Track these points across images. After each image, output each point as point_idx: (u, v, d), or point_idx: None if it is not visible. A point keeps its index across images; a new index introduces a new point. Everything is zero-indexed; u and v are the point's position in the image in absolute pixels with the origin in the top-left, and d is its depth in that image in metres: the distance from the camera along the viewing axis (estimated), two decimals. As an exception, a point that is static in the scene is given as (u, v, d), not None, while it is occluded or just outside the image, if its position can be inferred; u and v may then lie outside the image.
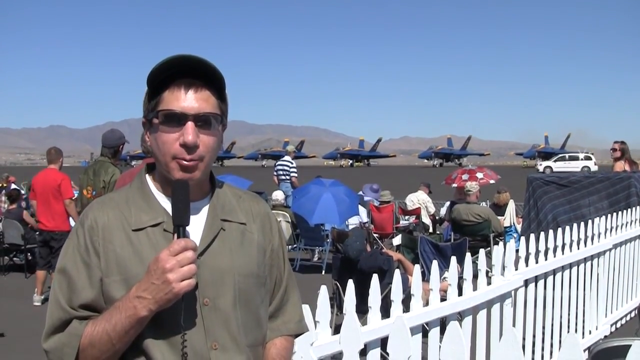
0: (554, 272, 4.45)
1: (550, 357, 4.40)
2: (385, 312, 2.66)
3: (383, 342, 2.35)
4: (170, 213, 1.31)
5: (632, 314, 5.96)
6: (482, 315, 3.43)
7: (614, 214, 5.53)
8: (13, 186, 13.14)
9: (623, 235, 5.65)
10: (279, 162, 11.81)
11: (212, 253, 1.34)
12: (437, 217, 11.76)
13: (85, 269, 1.30)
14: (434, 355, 2.80)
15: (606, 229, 5.31)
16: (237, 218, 1.42)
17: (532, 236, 4.27)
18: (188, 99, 1.31)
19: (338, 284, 4.97)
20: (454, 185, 10.04)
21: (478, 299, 3.34)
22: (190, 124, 1.29)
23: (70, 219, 6.96)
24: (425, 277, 4.87)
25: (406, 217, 11.38)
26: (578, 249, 4.82)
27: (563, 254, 4.59)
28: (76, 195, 6.95)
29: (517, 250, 3.97)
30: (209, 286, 1.31)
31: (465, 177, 9.94)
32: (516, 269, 3.93)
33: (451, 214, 8.95)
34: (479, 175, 10.00)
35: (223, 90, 1.38)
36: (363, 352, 2.28)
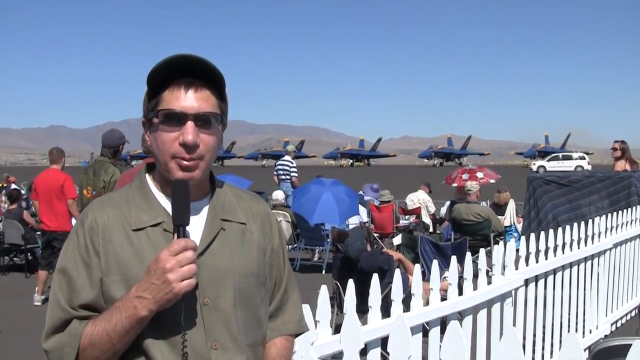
0: (554, 272, 4.45)
1: (551, 356, 4.40)
2: (386, 311, 2.65)
3: (383, 342, 2.35)
4: (170, 213, 1.31)
5: (633, 314, 5.95)
6: (482, 314, 3.43)
7: (614, 213, 5.53)
8: (13, 186, 13.15)
9: (623, 235, 5.64)
10: (279, 162, 11.81)
11: (212, 253, 1.34)
12: (437, 217, 11.76)
13: (85, 269, 1.30)
14: (435, 355, 2.80)
15: (606, 229, 5.30)
16: (237, 218, 1.42)
17: (533, 235, 4.27)
18: (188, 99, 1.31)
19: (338, 284, 4.97)
20: (454, 184, 10.04)
21: (478, 299, 3.34)
22: (190, 124, 1.29)
23: (73, 219, 6.96)
24: (426, 276, 4.87)
25: (406, 217, 11.38)
26: (578, 248, 4.82)
27: (563, 253, 4.59)
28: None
29: (517, 250, 3.97)
30: (209, 286, 1.31)
31: (465, 176, 9.93)
32: (516, 269, 3.93)
33: (451, 214, 8.95)
34: (479, 174, 10.00)
35: (223, 89, 1.37)
36: (363, 352, 2.28)
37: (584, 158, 50.61)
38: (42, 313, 1.35)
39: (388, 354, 2.18)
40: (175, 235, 1.26)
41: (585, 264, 4.95)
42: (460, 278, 3.23)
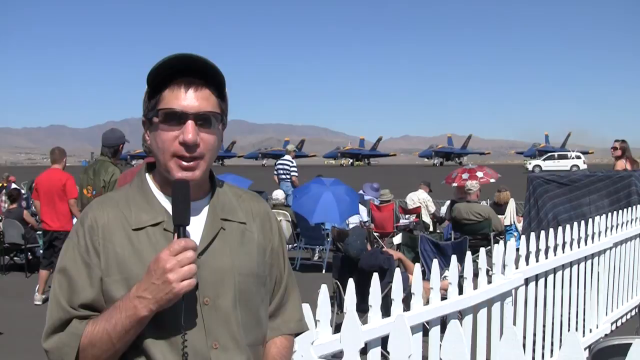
0: (554, 271, 4.45)
1: (551, 355, 4.40)
2: (386, 311, 2.66)
3: (384, 341, 2.35)
4: (170, 212, 1.31)
5: (633, 313, 5.96)
6: (482, 314, 3.43)
7: (615, 212, 5.53)
8: (13, 186, 13.16)
9: (623, 234, 5.64)
10: (280, 162, 11.81)
11: (212, 253, 1.34)
12: (437, 216, 11.77)
13: (85, 268, 1.30)
14: (435, 354, 2.80)
15: (606, 228, 5.30)
16: (237, 217, 1.42)
17: (533, 235, 4.27)
18: (188, 98, 1.30)
19: (338, 283, 4.97)
20: (454, 184, 10.04)
21: (478, 298, 3.34)
22: (190, 123, 1.29)
23: (75, 218, 6.96)
24: (426, 276, 4.87)
25: (406, 216, 11.39)
26: (579, 247, 4.82)
27: (563, 252, 4.59)
28: (77, 194, 6.95)
29: (517, 249, 3.97)
30: (209, 286, 1.31)
31: (465, 176, 9.93)
32: (517, 268, 3.93)
33: (451, 213, 8.95)
34: (479, 174, 9.99)
35: (223, 89, 1.37)
36: (364, 351, 2.28)
37: (579, 157, 50.74)
38: (43, 312, 1.35)
39: (388, 353, 2.18)
40: (176, 235, 1.26)
41: (585, 263, 4.95)
42: (461, 277, 3.23)
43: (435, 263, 2.95)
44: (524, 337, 4.07)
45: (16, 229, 8.92)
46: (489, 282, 3.53)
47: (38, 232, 8.87)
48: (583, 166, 45.33)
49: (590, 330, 5.13)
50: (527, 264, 4.11)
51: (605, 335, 5.22)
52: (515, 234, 9.07)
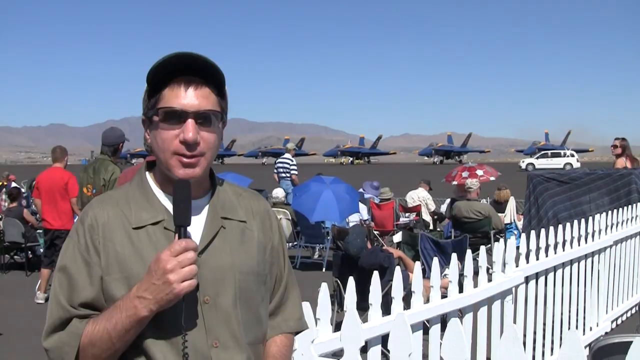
0: (554, 269, 4.45)
1: (551, 353, 4.40)
2: (386, 309, 2.66)
3: (384, 339, 2.35)
4: (171, 211, 1.31)
5: (633, 311, 5.96)
6: (482, 312, 3.43)
7: (615, 210, 5.53)
8: (13, 184, 13.16)
9: (624, 232, 5.65)
10: (279, 160, 11.80)
11: (212, 251, 1.33)
12: (437, 214, 11.77)
13: (85, 267, 1.30)
14: (435, 352, 2.80)
15: (607, 226, 5.30)
16: (238, 216, 1.41)
17: (533, 233, 4.27)
18: (188, 97, 1.30)
19: (339, 282, 4.98)
20: (454, 182, 10.04)
21: (479, 296, 3.34)
22: (190, 122, 1.29)
23: (76, 217, 6.95)
24: (426, 274, 4.87)
25: (406, 215, 11.39)
26: (579, 245, 4.82)
27: (564, 250, 4.59)
28: (77, 193, 6.94)
29: (517, 247, 3.97)
30: (210, 284, 1.31)
31: (465, 174, 9.93)
32: (517, 266, 3.93)
33: (452, 211, 8.95)
34: (479, 172, 9.99)
35: (223, 87, 1.37)
36: (364, 349, 2.28)
37: (573, 155, 51.03)
38: (43, 311, 1.35)
39: (388, 351, 2.18)
40: (177, 235, 1.26)
41: (585, 261, 4.95)
42: (461, 275, 3.23)
43: (435, 261, 2.95)
44: (524, 335, 4.08)
45: (16, 228, 8.93)
46: (489, 280, 3.54)
47: (38, 231, 8.88)
48: (576, 164, 45.47)
49: (591, 329, 5.13)
50: (528, 262, 4.11)
51: (606, 333, 5.22)
52: (516, 232, 9.07)
